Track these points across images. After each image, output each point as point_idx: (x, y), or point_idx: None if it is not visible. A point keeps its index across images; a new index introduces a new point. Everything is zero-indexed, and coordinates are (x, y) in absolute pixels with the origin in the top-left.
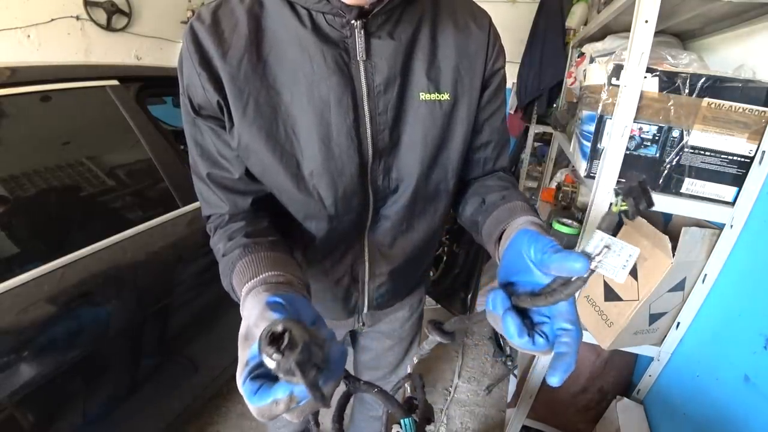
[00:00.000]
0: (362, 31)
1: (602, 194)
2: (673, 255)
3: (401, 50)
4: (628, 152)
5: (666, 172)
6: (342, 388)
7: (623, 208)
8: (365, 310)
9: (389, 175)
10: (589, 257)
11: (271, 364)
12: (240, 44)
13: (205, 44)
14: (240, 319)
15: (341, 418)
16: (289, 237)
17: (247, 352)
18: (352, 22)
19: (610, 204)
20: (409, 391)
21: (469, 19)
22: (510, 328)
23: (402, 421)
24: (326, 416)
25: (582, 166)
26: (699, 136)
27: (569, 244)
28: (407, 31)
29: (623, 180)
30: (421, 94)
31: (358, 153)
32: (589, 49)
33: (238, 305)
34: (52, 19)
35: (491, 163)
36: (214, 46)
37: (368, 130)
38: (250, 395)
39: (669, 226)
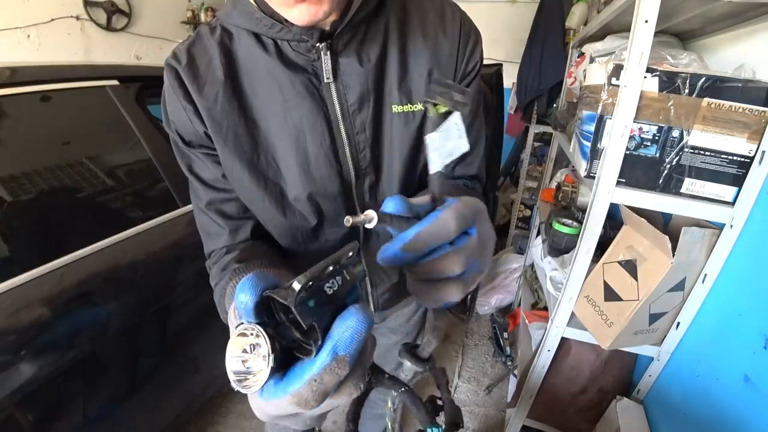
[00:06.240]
0: (328, 52)
1: (602, 194)
2: (673, 255)
3: (371, 69)
4: (628, 152)
5: (666, 172)
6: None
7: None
8: (372, 310)
9: (376, 191)
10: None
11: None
12: (215, 79)
13: (185, 80)
14: None
15: (357, 416)
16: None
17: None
18: (317, 44)
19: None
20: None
21: (439, 22)
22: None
23: (429, 430)
24: (332, 414)
25: (582, 166)
26: (699, 136)
27: (569, 244)
28: (375, 50)
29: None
30: (393, 106)
31: (339, 176)
32: (589, 49)
33: None
34: (52, 19)
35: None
36: (191, 83)
37: (347, 152)
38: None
39: (669, 226)
